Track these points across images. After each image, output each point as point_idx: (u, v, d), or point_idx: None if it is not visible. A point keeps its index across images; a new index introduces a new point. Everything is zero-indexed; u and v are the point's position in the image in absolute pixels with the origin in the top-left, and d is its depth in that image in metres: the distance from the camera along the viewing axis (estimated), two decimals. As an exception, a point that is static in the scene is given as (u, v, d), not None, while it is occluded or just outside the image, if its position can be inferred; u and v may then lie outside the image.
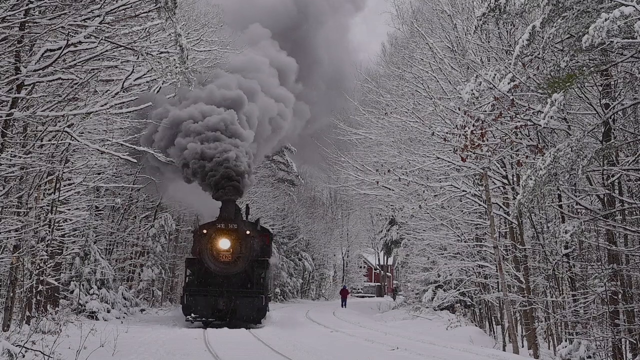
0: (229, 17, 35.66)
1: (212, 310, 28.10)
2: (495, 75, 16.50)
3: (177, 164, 28.00)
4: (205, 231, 28.97)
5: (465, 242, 28.78)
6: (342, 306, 54.01)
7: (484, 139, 18.37)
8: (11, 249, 19.55)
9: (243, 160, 29.27)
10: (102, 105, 14.16)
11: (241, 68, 34.23)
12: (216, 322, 28.17)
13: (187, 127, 29.28)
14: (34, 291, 22.50)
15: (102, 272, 30.75)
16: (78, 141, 15.51)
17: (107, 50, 13.92)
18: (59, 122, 15.29)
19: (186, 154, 28.80)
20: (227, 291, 28.33)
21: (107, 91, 15.30)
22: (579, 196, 20.64)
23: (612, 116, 17.75)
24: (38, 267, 22.08)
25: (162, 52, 14.24)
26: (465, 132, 18.02)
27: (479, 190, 24.84)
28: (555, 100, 14.66)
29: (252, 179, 32.54)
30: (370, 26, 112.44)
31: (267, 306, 29.36)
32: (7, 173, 15.44)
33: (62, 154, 21.27)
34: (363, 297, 78.79)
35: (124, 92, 15.18)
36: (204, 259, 28.75)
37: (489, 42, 22.73)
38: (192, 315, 27.97)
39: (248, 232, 29.22)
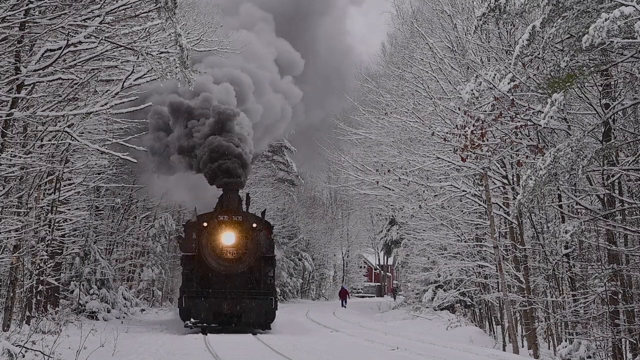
0: (224, 9, 34.60)
1: (214, 315, 25.05)
2: (495, 75, 16.50)
3: (147, 147, 24.50)
4: (205, 224, 25.75)
5: (465, 242, 28.77)
6: (342, 306, 54.03)
7: (484, 139, 18.37)
8: (11, 249, 19.57)
9: (246, 145, 26.66)
10: (102, 105, 14.18)
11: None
12: (219, 328, 25.01)
13: (161, 99, 26.46)
14: (34, 291, 22.54)
15: (102, 272, 30.71)
16: (78, 141, 15.52)
17: (107, 50, 13.93)
18: (59, 122, 15.28)
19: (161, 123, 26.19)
20: (231, 293, 25.22)
21: (107, 91, 15.31)
22: (579, 196, 20.64)
23: (612, 116, 17.76)
24: (38, 267, 22.12)
25: (162, 52, 14.24)
26: (465, 132, 18.02)
27: (479, 190, 24.84)
28: (555, 100, 14.66)
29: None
30: (369, 21, 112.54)
31: (276, 309, 26.10)
32: (7, 173, 15.45)
33: (62, 154, 21.33)
34: (363, 297, 78.73)
35: (123, 92, 15.22)
36: (204, 256, 25.59)
37: (489, 42, 22.73)
38: (192, 320, 24.93)
39: (255, 225, 25.93)
